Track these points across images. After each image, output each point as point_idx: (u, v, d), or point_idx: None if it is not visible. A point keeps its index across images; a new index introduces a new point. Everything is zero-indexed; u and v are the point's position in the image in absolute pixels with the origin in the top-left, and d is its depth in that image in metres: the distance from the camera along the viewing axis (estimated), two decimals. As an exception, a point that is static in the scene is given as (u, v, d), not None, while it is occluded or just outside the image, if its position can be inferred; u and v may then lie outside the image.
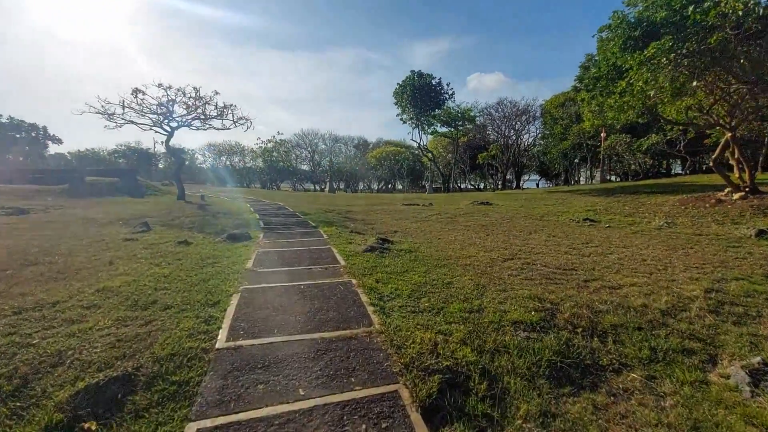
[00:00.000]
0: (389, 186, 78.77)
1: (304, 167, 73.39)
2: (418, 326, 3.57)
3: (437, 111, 34.91)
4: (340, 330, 3.45)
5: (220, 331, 3.42)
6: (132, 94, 18.47)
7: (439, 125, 38.42)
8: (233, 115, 20.24)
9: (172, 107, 19.26)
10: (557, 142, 56.66)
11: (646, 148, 33.31)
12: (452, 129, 39.61)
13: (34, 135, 52.07)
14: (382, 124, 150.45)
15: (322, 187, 71.51)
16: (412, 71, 32.85)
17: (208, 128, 20.40)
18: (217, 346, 3.15)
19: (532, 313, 3.99)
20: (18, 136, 49.01)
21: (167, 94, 18.94)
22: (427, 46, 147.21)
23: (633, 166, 48.17)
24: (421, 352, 3.06)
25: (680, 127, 32.39)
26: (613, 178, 49.23)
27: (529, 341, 3.44)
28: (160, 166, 73.93)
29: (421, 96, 32.78)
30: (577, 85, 24.44)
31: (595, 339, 3.67)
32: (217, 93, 19.20)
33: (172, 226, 9.92)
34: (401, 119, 36.33)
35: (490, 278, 5.22)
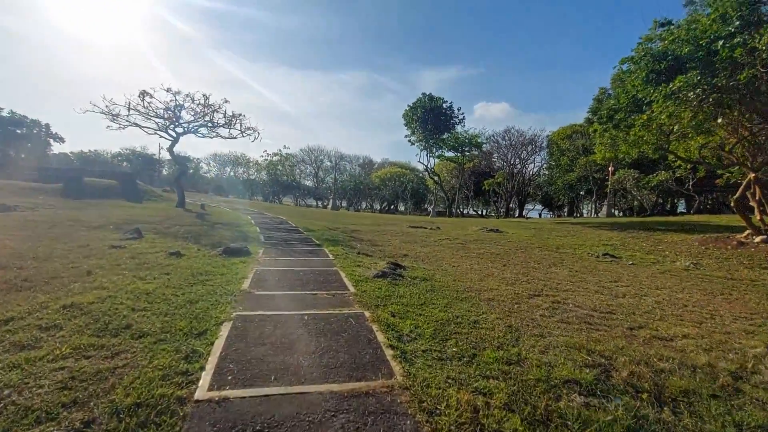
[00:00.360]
0: (392, 207, 78.41)
1: (308, 183, 73.17)
2: (450, 381, 2.87)
3: (446, 135, 34.71)
4: (353, 381, 2.75)
5: (203, 373, 2.72)
6: (139, 96, 18.17)
7: (446, 149, 38.26)
8: (241, 125, 19.90)
9: (179, 113, 18.94)
10: (563, 174, 56.47)
11: (654, 184, 32.87)
12: (459, 154, 39.41)
13: (35, 132, 51.87)
14: (388, 145, 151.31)
15: (325, 203, 71.13)
16: (423, 94, 32.93)
17: (214, 136, 20.03)
18: (196, 395, 2.45)
19: (584, 369, 3.29)
20: (19, 131, 48.77)
21: (175, 99, 18.66)
22: (435, 73, 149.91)
23: (637, 202, 47.79)
24: (460, 423, 2.36)
25: (689, 165, 32.20)
26: (617, 213, 48.74)
27: (589, 410, 2.73)
28: (164, 172, 73.84)
29: (431, 119, 32.62)
30: (591, 117, 24.17)
31: (666, 409, 2.97)
32: (226, 101, 18.91)
33: (166, 235, 9.26)
34: (409, 141, 36.16)
35: (521, 319, 4.53)
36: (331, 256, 7.81)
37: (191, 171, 72.66)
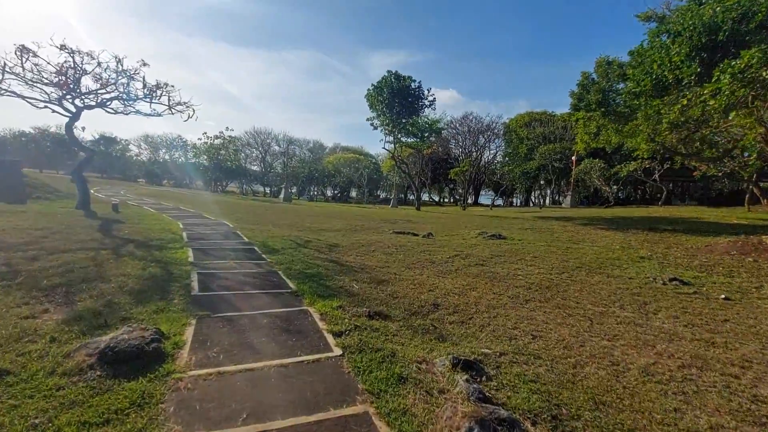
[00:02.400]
0: (345, 194, 74.57)
1: (255, 168, 67.10)
2: None
3: (414, 118, 31.38)
4: None
5: None
6: (16, 53, 12.94)
7: (404, 135, 35.01)
8: (169, 99, 15.19)
9: (79, 78, 13.88)
10: (521, 162, 55.81)
11: (624, 174, 32.12)
12: (418, 140, 36.40)
13: None
14: (338, 129, 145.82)
15: (273, 190, 65.60)
16: (389, 71, 29.19)
17: (132, 113, 15.14)
18: None
19: None
20: None
21: (72, 60, 13.59)
22: (384, 57, 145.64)
23: (592, 191, 48.04)
24: None
25: (658, 156, 31.83)
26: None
27: None
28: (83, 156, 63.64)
29: (399, 100, 29.05)
30: (576, 103, 22.01)
31: None
32: (145, 64, 14.10)
33: (11, 285, 5.12)
34: (372, 124, 32.39)
35: None
36: (330, 339, 4.15)
37: (117, 155, 63.48)
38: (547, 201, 58.01)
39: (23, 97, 13.50)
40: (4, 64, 12.92)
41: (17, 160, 15.23)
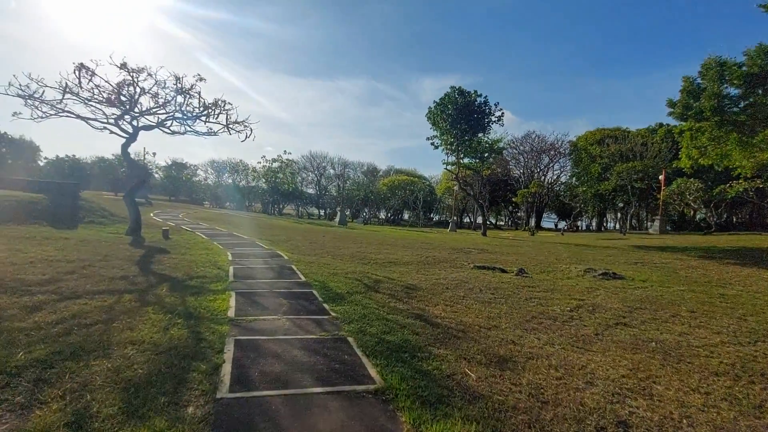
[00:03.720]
0: (398, 216, 72.84)
1: (310, 191, 67.60)
2: None
3: (480, 136, 28.90)
4: None
5: None
6: (75, 72, 12.49)
7: (465, 155, 32.41)
8: (227, 118, 14.19)
9: (135, 98, 13.21)
10: (594, 182, 50.85)
11: (733, 195, 27.10)
12: (477, 161, 33.62)
13: None
14: (388, 153, 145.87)
15: (328, 212, 65.42)
16: (452, 87, 27.12)
17: (186, 132, 14.31)
18: None
19: None
20: None
21: (132, 79, 12.96)
22: (435, 82, 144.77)
23: (693, 215, 42.08)
24: None
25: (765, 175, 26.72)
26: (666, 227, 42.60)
27: None
28: (157, 176, 67.87)
29: (464, 117, 26.78)
30: (683, 112, 18.54)
31: None
32: (201, 79, 13.17)
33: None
34: (432, 144, 30.33)
35: None
36: None
37: (186, 179, 66.90)
38: (615, 225, 51.75)
39: (82, 118, 13.03)
40: (66, 84, 12.57)
41: (75, 183, 14.87)
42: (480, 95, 26.99)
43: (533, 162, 63.35)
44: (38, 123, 12.98)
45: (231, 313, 5.31)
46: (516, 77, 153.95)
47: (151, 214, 21.69)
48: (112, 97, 12.15)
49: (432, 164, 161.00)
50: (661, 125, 50.22)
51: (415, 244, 16.93)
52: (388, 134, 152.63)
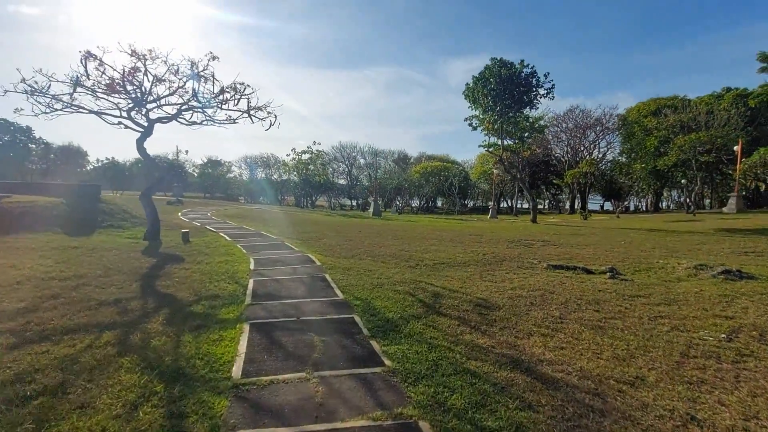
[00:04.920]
0: (431, 204, 70.45)
1: (342, 182, 66.44)
2: None
3: (525, 112, 26.01)
4: None
5: None
6: (81, 61, 11.22)
7: (506, 135, 29.45)
8: (249, 103, 12.65)
9: (148, 85, 11.83)
10: (650, 158, 46.32)
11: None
12: (517, 141, 30.57)
13: (8, 137, 47.57)
14: (418, 139, 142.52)
15: (360, 203, 64.07)
16: (493, 59, 24.35)
17: (204, 122, 12.85)
18: None
19: None
20: (6, 137, 44.87)
21: (144, 66, 11.55)
22: (464, 63, 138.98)
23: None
24: None
25: None
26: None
27: None
28: (191, 171, 68.84)
29: (510, 91, 24.00)
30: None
31: None
32: (214, 58, 11.57)
33: None
34: (470, 124, 27.72)
35: None
36: None
37: (221, 176, 67.34)
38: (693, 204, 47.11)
39: (96, 113, 11.83)
40: (77, 77, 11.36)
41: (95, 185, 13.87)
42: (526, 66, 24.09)
43: (577, 139, 58.74)
44: (51, 119, 11.86)
45: (237, 369, 3.58)
46: (550, 53, 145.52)
47: (179, 214, 20.76)
48: (114, 83, 10.74)
49: (464, 149, 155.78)
50: (728, 89, 44.71)
51: (462, 236, 14.87)
52: (418, 121, 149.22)
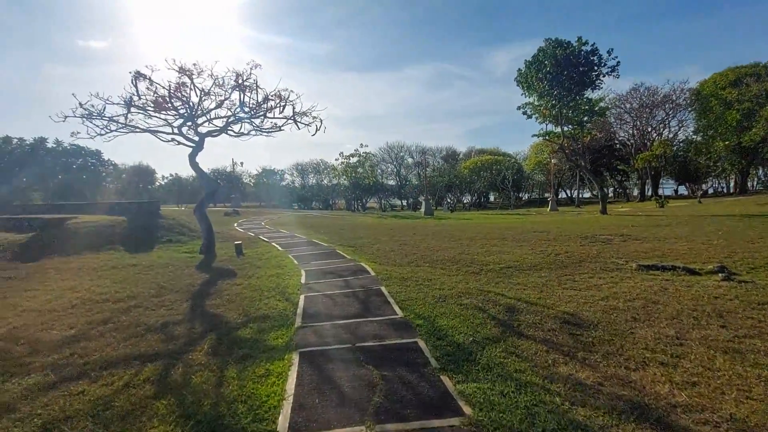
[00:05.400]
0: (483, 199, 67.97)
1: (391, 182, 66.03)
2: None
3: (589, 93, 23.78)
4: None
5: None
6: (132, 81, 11.51)
7: (566, 120, 27.09)
8: (294, 110, 12.41)
9: (197, 100, 11.93)
10: (731, 134, 41.19)
11: None
12: (576, 126, 28.02)
13: (80, 161, 51.88)
14: (465, 134, 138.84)
15: (411, 202, 63.32)
16: (547, 40, 22.44)
17: (252, 132, 12.80)
18: None
19: None
20: (79, 161, 49.26)
21: (191, 82, 11.66)
22: (506, 53, 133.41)
23: None
24: None
25: None
26: None
27: None
28: (247, 182, 71.99)
29: (568, 72, 22.00)
30: None
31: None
32: (256, 66, 11.40)
33: None
34: (524, 112, 25.92)
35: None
36: None
37: (274, 184, 69.90)
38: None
39: (149, 131, 12.15)
40: (131, 98, 11.69)
41: (154, 202, 14.31)
42: (585, 43, 21.92)
43: (644, 119, 53.67)
44: (109, 140, 12.30)
45: (283, 420, 2.95)
46: (604, 30, 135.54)
47: (235, 224, 21.24)
48: (161, 100, 10.84)
49: (515, 140, 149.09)
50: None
51: (525, 233, 13.59)
52: (463, 115, 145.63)
